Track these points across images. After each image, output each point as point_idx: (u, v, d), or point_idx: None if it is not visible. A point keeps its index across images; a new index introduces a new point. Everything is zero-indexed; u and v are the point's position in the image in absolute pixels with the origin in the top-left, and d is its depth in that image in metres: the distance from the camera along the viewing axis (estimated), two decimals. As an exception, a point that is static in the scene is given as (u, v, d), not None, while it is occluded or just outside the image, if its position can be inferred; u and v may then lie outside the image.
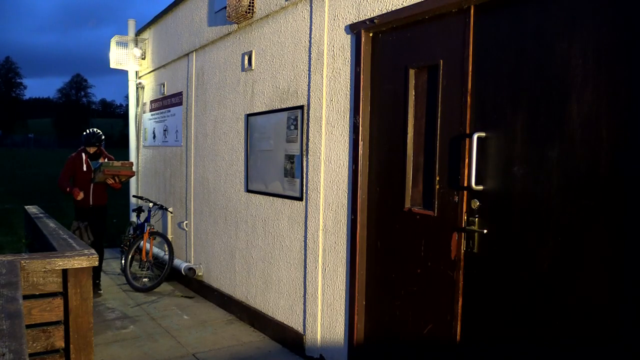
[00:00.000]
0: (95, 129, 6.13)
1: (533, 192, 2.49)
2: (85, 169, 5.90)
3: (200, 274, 5.80)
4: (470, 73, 2.77)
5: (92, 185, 5.88)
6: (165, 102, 6.85)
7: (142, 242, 6.28)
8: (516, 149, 2.56)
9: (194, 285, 5.97)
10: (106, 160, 6.00)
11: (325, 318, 3.80)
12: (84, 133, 6.06)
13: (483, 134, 2.70)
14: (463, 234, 2.82)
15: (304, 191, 3.99)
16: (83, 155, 5.94)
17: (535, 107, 2.47)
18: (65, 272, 2.29)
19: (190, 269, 5.81)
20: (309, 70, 3.91)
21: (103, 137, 6.14)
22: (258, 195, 4.66)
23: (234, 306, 5.07)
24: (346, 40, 3.54)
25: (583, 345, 2.30)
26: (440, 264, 2.95)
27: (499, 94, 2.64)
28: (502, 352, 2.63)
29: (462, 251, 2.82)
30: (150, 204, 6.49)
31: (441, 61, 2.92)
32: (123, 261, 6.34)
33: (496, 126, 2.66)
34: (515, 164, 2.57)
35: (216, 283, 5.46)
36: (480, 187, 2.72)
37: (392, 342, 3.30)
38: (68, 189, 5.82)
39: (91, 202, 5.88)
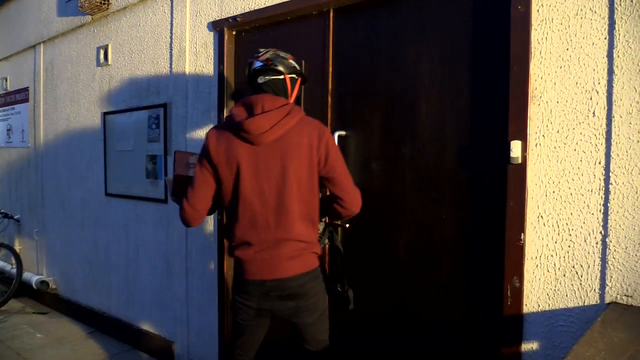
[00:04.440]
0: None
1: (390, 186, 2.65)
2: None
3: (54, 287, 5.30)
4: (330, 74, 2.87)
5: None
6: (9, 98, 6.15)
7: (-17, 255, 5.58)
8: (374, 147, 2.71)
9: (48, 300, 5.44)
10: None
11: (195, 322, 3.69)
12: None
13: (344, 133, 2.81)
14: (328, 228, 2.90)
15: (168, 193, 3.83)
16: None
17: (390, 106, 2.63)
18: None
19: (43, 282, 5.28)
20: (171, 67, 3.76)
21: None
22: (119, 199, 4.37)
23: (94, 318, 4.72)
24: (209, 37, 3.46)
25: (436, 321, 2.50)
26: (307, 260, 3.01)
27: (357, 94, 2.77)
28: (369, 338, 2.77)
29: (327, 245, 2.91)
30: (-7, 213, 5.80)
31: (303, 62, 2.98)
32: (-41, 279, 5.57)
33: (356, 125, 2.78)
34: (373, 161, 2.71)
35: (74, 295, 5.03)
36: (343, 184, 2.82)
37: (263, 340, 3.30)
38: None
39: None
